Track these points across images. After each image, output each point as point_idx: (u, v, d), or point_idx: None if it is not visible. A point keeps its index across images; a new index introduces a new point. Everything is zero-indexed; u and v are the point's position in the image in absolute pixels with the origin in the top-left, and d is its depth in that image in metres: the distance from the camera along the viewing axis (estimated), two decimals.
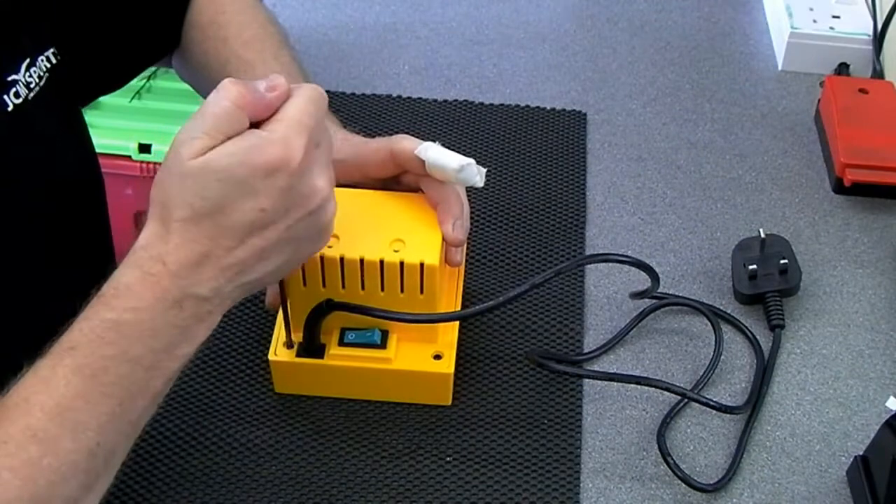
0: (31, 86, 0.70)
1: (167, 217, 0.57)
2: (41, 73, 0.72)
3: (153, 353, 0.57)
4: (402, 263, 0.70)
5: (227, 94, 0.57)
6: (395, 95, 1.02)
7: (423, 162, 0.71)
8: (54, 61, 0.73)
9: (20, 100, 0.69)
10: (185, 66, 0.87)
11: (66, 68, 0.74)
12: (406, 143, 0.72)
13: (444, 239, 0.72)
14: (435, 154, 0.71)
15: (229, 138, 0.57)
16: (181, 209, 0.57)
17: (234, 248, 0.58)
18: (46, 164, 0.74)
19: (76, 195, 0.78)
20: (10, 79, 0.69)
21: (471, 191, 0.91)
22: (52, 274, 0.75)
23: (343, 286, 0.71)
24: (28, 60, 0.71)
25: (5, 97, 0.68)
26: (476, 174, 0.71)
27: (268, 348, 0.74)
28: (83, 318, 0.56)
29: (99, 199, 0.83)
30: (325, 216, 0.61)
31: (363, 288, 0.71)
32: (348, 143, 0.76)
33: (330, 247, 0.69)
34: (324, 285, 0.71)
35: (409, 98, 1.02)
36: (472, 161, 0.71)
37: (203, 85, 0.84)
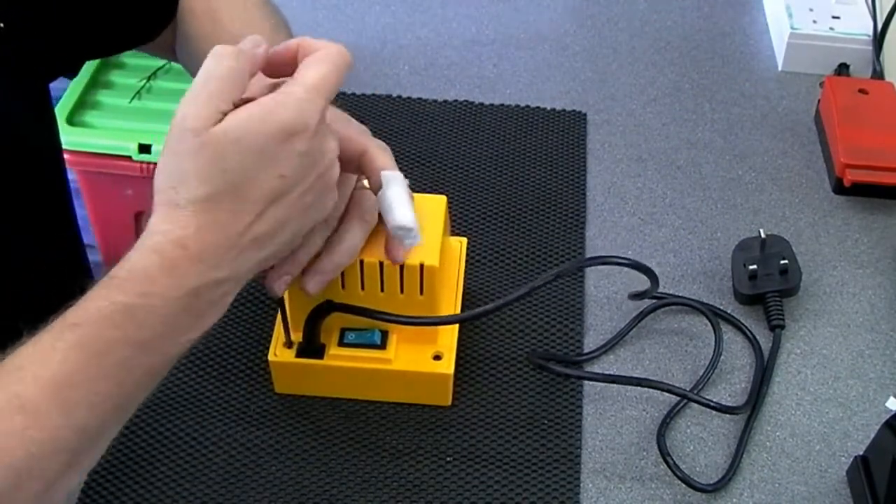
0: None
1: (182, 199, 0.56)
2: None
3: (160, 338, 0.56)
4: (401, 265, 0.70)
5: (224, 55, 0.56)
6: (395, 95, 1.02)
7: (379, 182, 0.66)
8: None
9: None
10: (185, 56, 0.87)
11: (15, 37, 0.71)
12: (380, 161, 0.66)
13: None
14: (392, 195, 0.65)
15: (236, 105, 0.56)
16: (199, 187, 0.55)
17: (255, 223, 0.57)
18: None
19: (32, 162, 0.76)
20: None
21: (471, 190, 0.92)
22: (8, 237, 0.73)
23: (343, 287, 0.71)
24: None
25: None
26: (411, 240, 0.66)
27: (268, 348, 0.74)
28: (90, 297, 0.55)
29: (58, 169, 0.81)
30: (334, 175, 0.60)
31: (363, 289, 0.71)
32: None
33: None
34: None
35: (409, 98, 1.02)
36: (416, 228, 0.65)
37: None
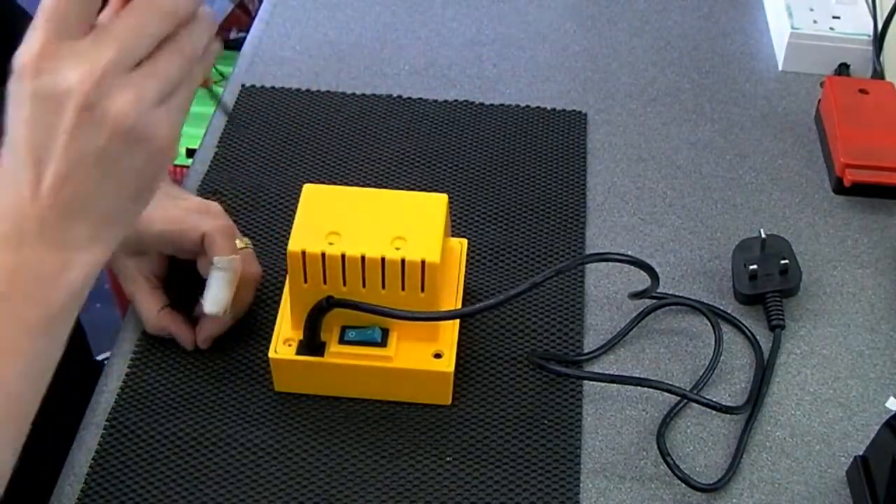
0: None
1: None
2: None
3: None
4: (403, 261, 0.70)
5: None
6: (395, 95, 1.02)
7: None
8: None
9: None
10: None
11: None
12: (216, 248, 0.74)
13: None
14: (210, 282, 0.73)
15: None
16: None
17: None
18: None
19: None
20: None
21: (471, 190, 0.92)
22: None
23: (344, 283, 0.71)
24: None
25: None
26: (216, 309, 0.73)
27: (267, 347, 0.74)
28: None
29: None
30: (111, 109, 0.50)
31: (364, 285, 0.71)
32: (163, 209, 0.75)
33: (332, 244, 0.70)
34: (325, 282, 0.71)
35: (409, 98, 1.02)
36: (219, 313, 0.73)
37: None
